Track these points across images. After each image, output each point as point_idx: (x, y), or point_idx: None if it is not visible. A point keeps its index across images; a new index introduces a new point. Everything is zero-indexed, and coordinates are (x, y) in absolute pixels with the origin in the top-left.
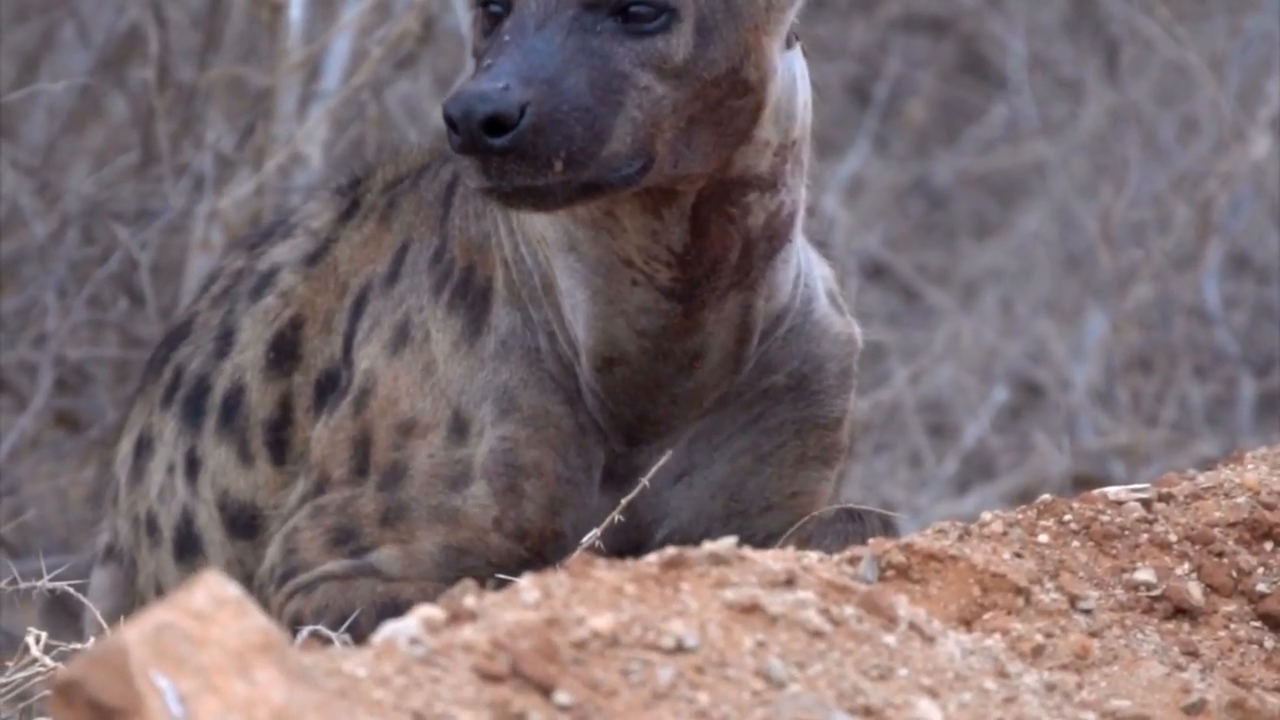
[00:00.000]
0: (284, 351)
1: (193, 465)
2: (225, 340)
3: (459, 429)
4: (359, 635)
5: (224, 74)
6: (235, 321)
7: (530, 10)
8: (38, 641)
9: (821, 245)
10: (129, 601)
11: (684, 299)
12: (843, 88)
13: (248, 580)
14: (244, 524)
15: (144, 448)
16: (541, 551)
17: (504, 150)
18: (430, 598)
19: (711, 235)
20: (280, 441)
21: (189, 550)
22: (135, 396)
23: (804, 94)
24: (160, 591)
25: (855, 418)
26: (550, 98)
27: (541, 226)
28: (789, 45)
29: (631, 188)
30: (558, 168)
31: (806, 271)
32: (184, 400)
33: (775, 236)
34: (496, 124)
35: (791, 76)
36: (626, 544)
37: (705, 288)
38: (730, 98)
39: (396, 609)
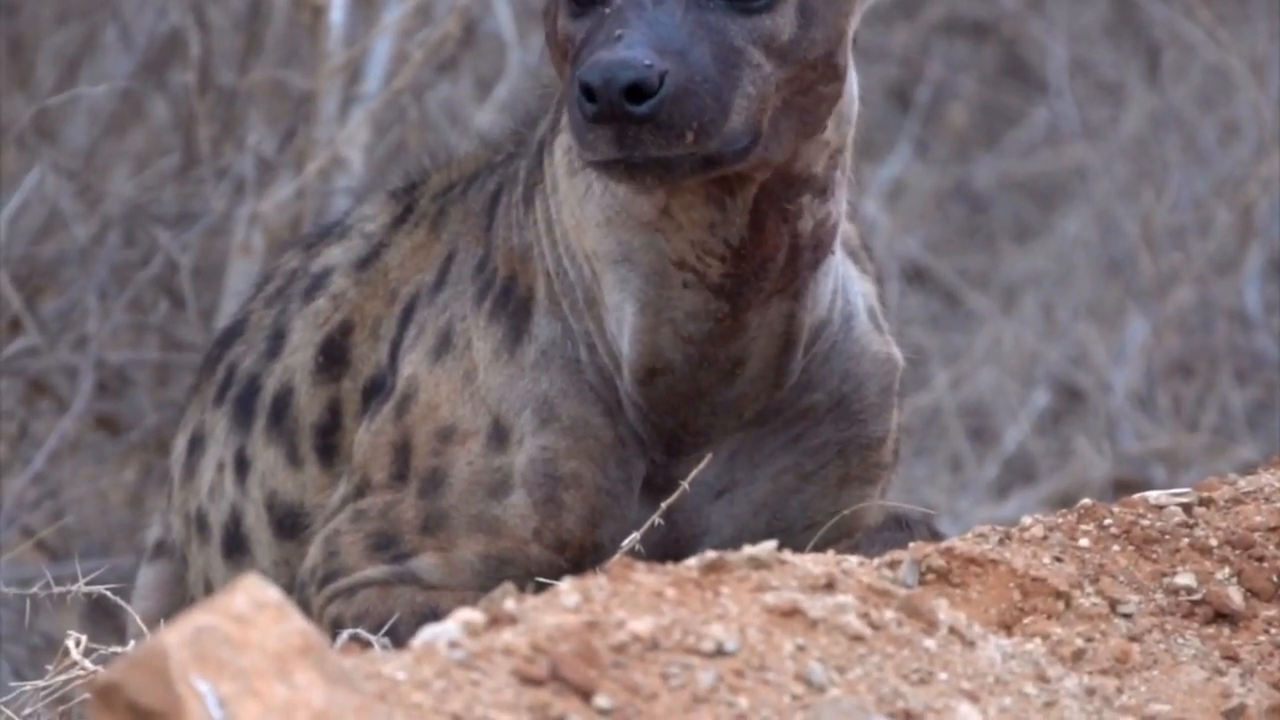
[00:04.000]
0: (333, 356)
1: (242, 465)
2: (277, 340)
3: (499, 437)
4: (398, 642)
5: (265, 77)
6: (287, 322)
7: None
8: (78, 645)
9: (865, 250)
10: (177, 599)
11: (732, 297)
12: (884, 91)
13: (294, 582)
14: (291, 526)
15: (196, 445)
16: (581, 563)
17: (642, 119)
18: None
19: (767, 230)
20: (329, 446)
21: (237, 549)
22: (191, 393)
23: (856, 100)
24: (209, 589)
25: (899, 434)
26: (683, 68)
27: (594, 240)
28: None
29: (741, 163)
30: (689, 139)
31: (845, 286)
32: (235, 399)
33: (819, 245)
34: (638, 91)
35: (851, 78)
36: (668, 559)
37: (752, 288)
38: (821, 82)
39: (436, 617)
